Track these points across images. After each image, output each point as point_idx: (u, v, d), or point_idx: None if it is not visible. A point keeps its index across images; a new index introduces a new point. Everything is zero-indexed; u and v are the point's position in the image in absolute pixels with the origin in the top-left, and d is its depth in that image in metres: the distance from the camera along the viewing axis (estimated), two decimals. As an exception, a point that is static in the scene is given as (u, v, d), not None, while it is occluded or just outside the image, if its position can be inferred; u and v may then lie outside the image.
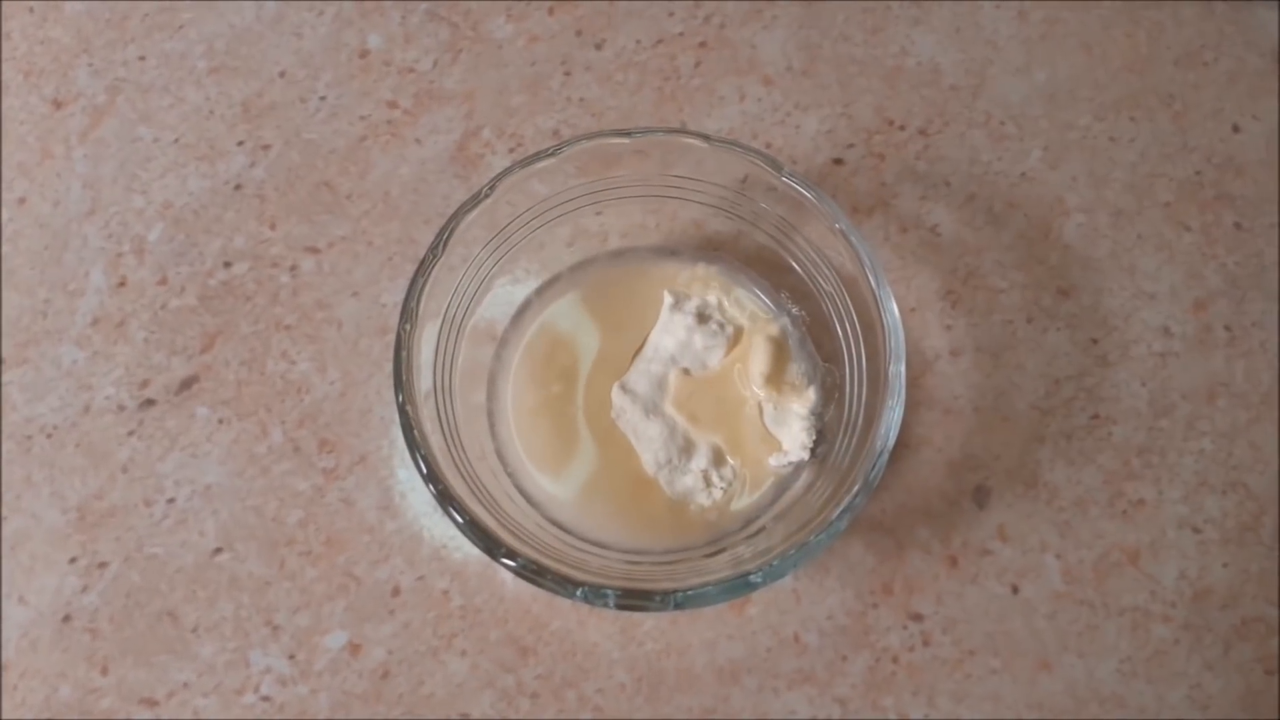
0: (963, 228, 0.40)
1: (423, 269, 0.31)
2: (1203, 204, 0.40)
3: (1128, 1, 0.43)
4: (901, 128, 0.41)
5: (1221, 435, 0.37)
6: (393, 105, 0.42)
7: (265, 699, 0.34)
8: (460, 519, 0.29)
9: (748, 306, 0.36)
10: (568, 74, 0.42)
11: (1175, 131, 0.41)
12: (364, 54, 0.43)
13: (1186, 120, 0.42)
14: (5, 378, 0.38)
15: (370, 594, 0.35)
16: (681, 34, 0.43)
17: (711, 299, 0.36)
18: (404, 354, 0.30)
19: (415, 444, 0.29)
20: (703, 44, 0.43)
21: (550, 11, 0.43)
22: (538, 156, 0.32)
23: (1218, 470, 0.37)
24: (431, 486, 0.29)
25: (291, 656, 0.34)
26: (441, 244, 0.31)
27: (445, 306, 0.32)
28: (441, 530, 0.35)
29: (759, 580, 0.28)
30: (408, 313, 0.31)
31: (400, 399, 0.30)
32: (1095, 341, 0.38)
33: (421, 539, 0.35)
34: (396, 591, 0.35)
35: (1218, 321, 0.38)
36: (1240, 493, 0.36)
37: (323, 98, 0.42)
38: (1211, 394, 0.38)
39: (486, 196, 0.32)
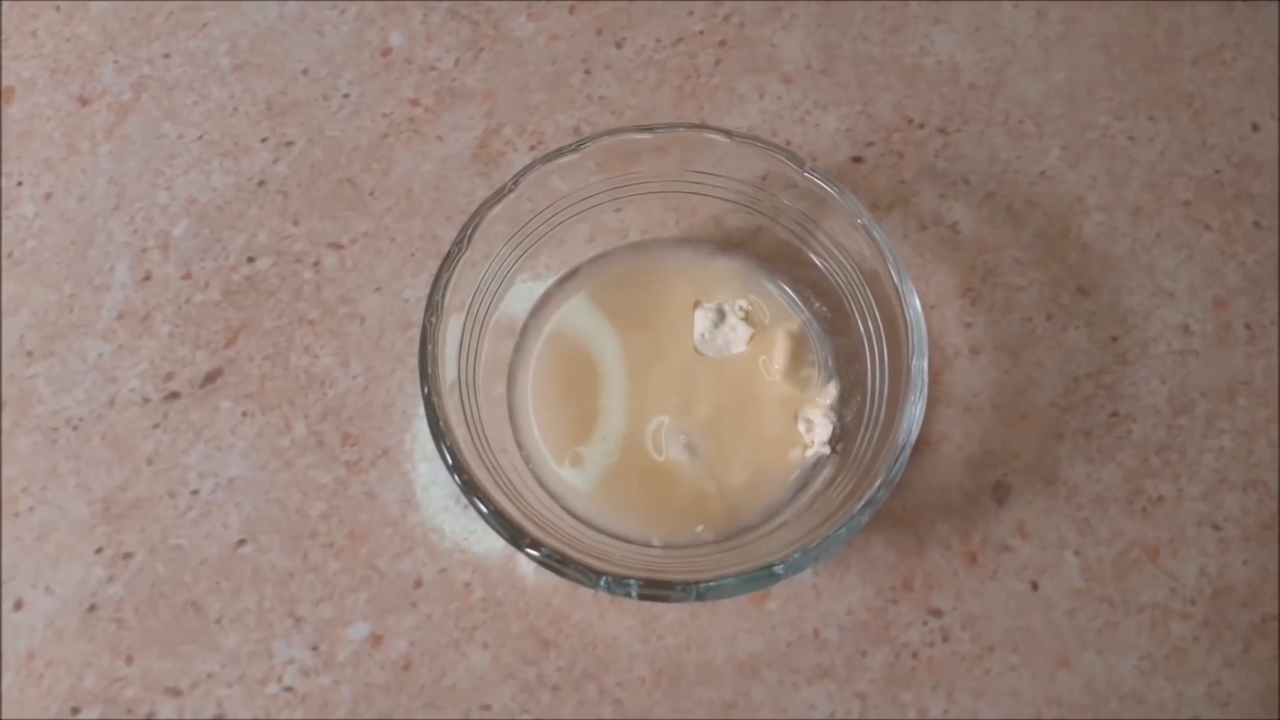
0: (982, 226, 0.40)
1: (448, 263, 0.31)
2: (1222, 203, 0.40)
3: (1146, 1, 0.44)
4: (921, 126, 0.41)
5: (1241, 433, 0.37)
6: (415, 103, 0.42)
7: (288, 689, 0.34)
8: (485, 509, 0.29)
9: (768, 303, 0.36)
10: (588, 72, 0.42)
11: (1194, 130, 0.41)
12: (386, 52, 0.43)
13: (1205, 119, 0.42)
14: (32, 371, 0.38)
15: (392, 586, 0.35)
16: (701, 32, 0.43)
17: (732, 298, 0.36)
18: (429, 346, 0.30)
19: (440, 434, 0.29)
20: (722, 42, 0.43)
21: (571, 10, 0.43)
22: (560, 152, 0.33)
23: (1238, 468, 0.37)
24: (457, 477, 0.29)
25: (314, 648, 0.34)
26: (466, 239, 0.32)
27: (469, 301, 0.33)
28: (463, 523, 0.36)
29: (781, 572, 0.29)
30: (433, 305, 0.31)
31: (426, 390, 0.30)
32: (1114, 339, 0.38)
33: (443, 532, 0.36)
34: (419, 584, 0.35)
35: (1238, 319, 0.38)
36: (1260, 490, 0.36)
37: (345, 95, 0.42)
38: (1231, 392, 0.38)
39: (510, 192, 0.32)
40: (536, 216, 0.34)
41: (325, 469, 0.37)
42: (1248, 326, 0.38)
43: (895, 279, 0.31)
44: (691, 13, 0.43)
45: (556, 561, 0.28)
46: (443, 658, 0.34)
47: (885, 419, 0.31)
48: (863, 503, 0.29)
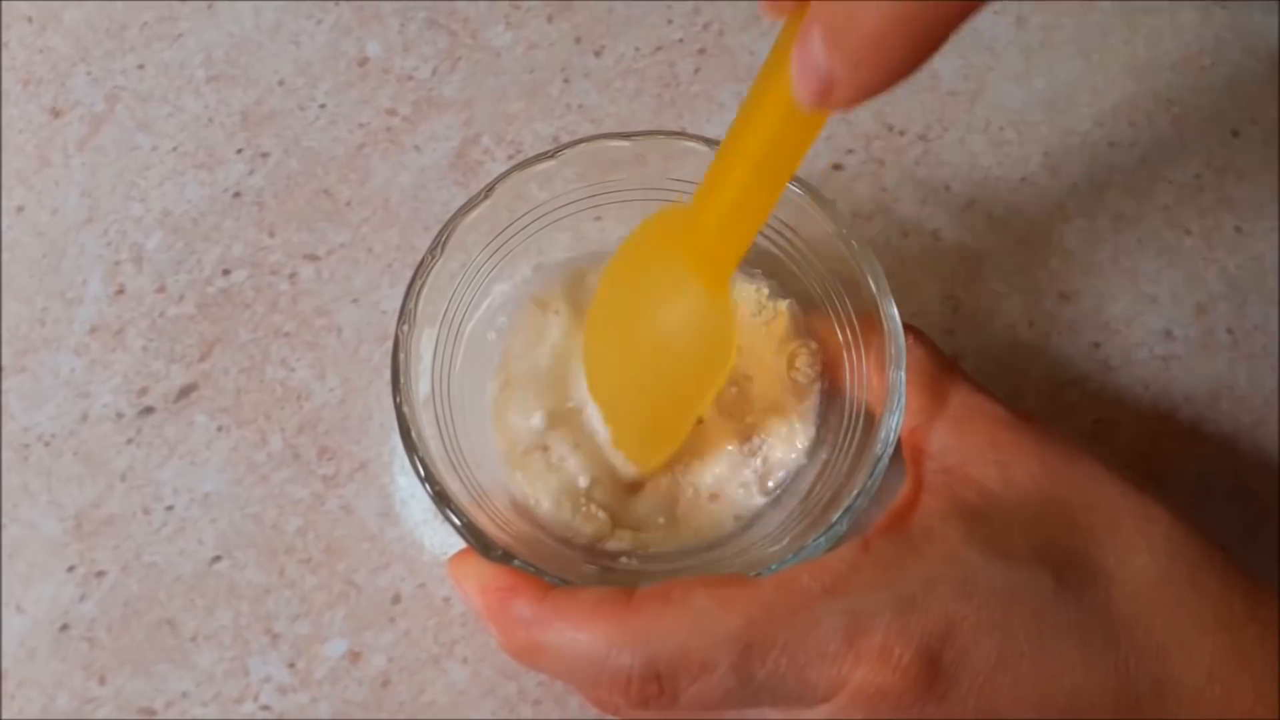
0: (963, 233, 0.40)
1: (421, 270, 0.31)
2: (1203, 208, 0.40)
3: (1125, 4, 0.44)
4: (901, 133, 0.41)
5: (1226, 438, 0.37)
6: (391, 113, 0.42)
7: (265, 708, 0.33)
8: (458, 521, 0.28)
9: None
10: (567, 81, 0.42)
11: (1174, 136, 0.41)
12: (363, 62, 0.43)
13: (1185, 125, 0.42)
14: (3, 386, 0.37)
15: (370, 602, 0.35)
16: (681, 41, 0.43)
17: None
18: (402, 356, 0.30)
19: (413, 445, 0.29)
20: (702, 51, 0.43)
21: (549, 19, 0.43)
22: (537, 159, 0.32)
23: (1222, 474, 0.37)
24: (428, 487, 0.29)
25: (291, 665, 0.34)
26: (440, 246, 0.31)
27: (444, 310, 0.32)
28: (441, 537, 0.35)
29: (760, 583, 0.28)
30: (406, 314, 0.30)
31: (398, 400, 0.30)
32: (1097, 345, 0.38)
33: (422, 546, 0.35)
34: (397, 599, 0.35)
35: (1220, 324, 0.38)
36: (1245, 497, 0.36)
37: (322, 106, 0.42)
38: (1214, 397, 0.37)
39: (485, 199, 0.32)
40: (513, 224, 0.33)
41: (302, 483, 0.36)
42: (1230, 331, 0.38)
43: (873, 287, 0.31)
44: (671, 21, 0.43)
45: (531, 574, 0.28)
46: (422, 674, 0.34)
47: (864, 428, 0.31)
48: (840, 511, 0.29)
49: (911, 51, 0.20)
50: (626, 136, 0.33)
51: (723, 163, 0.26)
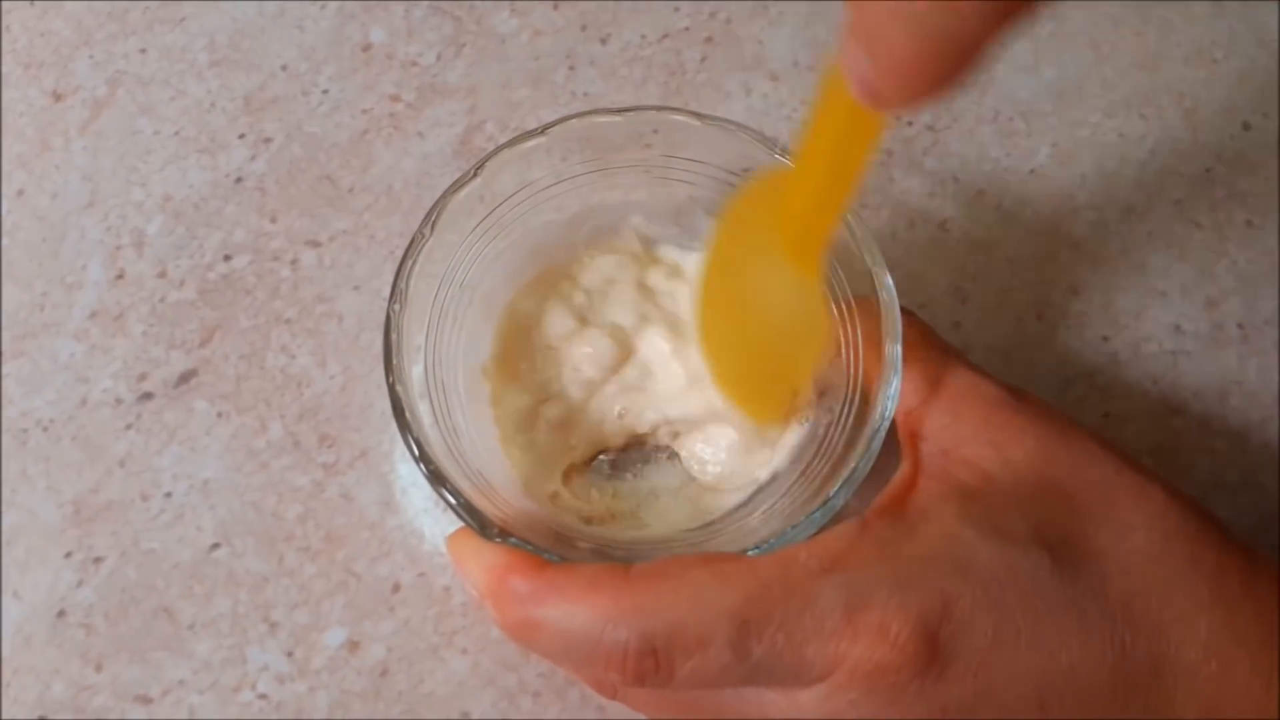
0: (971, 224, 0.39)
1: (412, 249, 0.31)
2: (1214, 201, 0.40)
3: (1137, -1, 0.43)
4: (909, 123, 0.41)
5: (1235, 434, 0.37)
6: (395, 99, 0.41)
7: (262, 697, 0.33)
8: (454, 500, 0.28)
9: None
10: (572, 68, 0.42)
11: (1186, 129, 0.41)
12: (367, 47, 0.42)
13: (1197, 118, 0.41)
14: (1, 371, 0.37)
15: (370, 591, 0.34)
16: (687, 29, 0.42)
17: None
18: (394, 335, 0.30)
19: (407, 425, 0.29)
20: (709, 39, 0.42)
21: (555, 6, 0.43)
22: (527, 135, 0.32)
23: (1231, 469, 0.36)
24: (423, 466, 0.28)
25: (289, 654, 0.34)
26: (430, 225, 0.31)
27: (436, 290, 0.32)
28: (442, 526, 0.35)
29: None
30: (397, 293, 0.30)
31: (390, 379, 0.29)
32: (1106, 339, 0.38)
33: (422, 535, 0.35)
34: (397, 588, 0.34)
35: (1230, 319, 0.38)
36: (1254, 492, 0.36)
37: (325, 91, 0.41)
38: (1224, 392, 0.37)
39: (475, 176, 0.31)
40: (505, 202, 0.33)
41: (302, 471, 0.36)
42: (1240, 326, 0.38)
43: (868, 260, 0.30)
44: (677, 9, 0.43)
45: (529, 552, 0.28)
46: (421, 664, 0.34)
47: (860, 402, 0.30)
48: (837, 485, 0.28)
49: (947, 68, 0.20)
50: (617, 112, 0.32)
51: (802, 156, 0.27)
